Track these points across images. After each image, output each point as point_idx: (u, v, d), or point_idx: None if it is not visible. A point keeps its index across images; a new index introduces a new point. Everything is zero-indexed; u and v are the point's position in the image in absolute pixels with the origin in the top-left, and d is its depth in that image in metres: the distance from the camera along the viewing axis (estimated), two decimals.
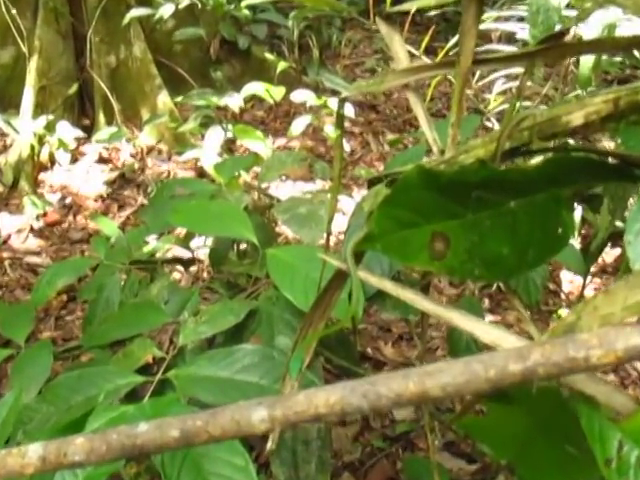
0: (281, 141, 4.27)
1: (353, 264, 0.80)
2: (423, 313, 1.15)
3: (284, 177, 3.77)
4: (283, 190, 3.60)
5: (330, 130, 3.53)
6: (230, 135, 3.16)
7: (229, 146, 3.79)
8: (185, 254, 2.17)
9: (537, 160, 0.76)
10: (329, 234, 1.07)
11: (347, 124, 4.37)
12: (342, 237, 2.89)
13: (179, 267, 2.52)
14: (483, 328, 0.73)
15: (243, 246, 1.99)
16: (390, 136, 4.43)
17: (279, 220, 1.70)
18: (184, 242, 2.08)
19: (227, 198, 1.77)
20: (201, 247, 2.16)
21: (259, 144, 2.95)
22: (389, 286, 0.80)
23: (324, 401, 0.52)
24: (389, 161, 3.07)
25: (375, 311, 2.65)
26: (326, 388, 0.53)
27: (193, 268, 2.60)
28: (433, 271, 0.76)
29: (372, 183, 1.08)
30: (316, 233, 1.53)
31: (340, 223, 2.50)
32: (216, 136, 3.20)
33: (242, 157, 3.20)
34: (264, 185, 3.09)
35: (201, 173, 3.73)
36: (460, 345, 1.62)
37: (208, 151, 3.20)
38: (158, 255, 2.14)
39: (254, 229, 1.50)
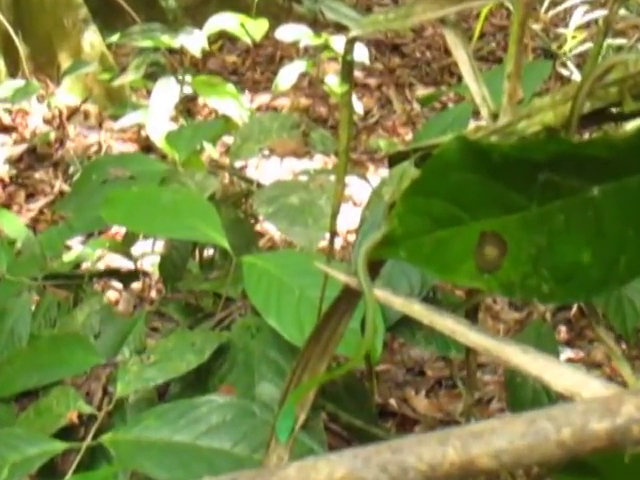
0: (263, 98, 4.28)
1: (368, 278, 0.80)
2: (469, 349, 1.16)
3: (267, 151, 3.77)
4: (266, 170, 3.60)
5: (334, 82, 3.54)
6: (189, 90, 3.16)
7: (187, 106, 3.79)
8: (125, 264, 2.18)
9: (631, 128, 0.77)
10: (333, 234, 1.08)
11: (359, 73, 4.38)
12: (352, 239, 2.89)
13: (116, 283, 2.52)
14: (556, 370, 0.74)
15: (209, 252, 2.00)
16: (421, 91, 4.44)
17: (261, 214, 1.70)
18: (123, 247, 2.09)
19: (185, 183, 1.78)
20: (148, 254, 2.16)
21: (231, 103, 2.96)
22: (420, 310, 0.81)
23: (326, 476, 0.53)
24: (420, 128, 3.08)
25: (401, 346, 2.65)
26: (330, 458, 0.54)
27: (136, 285, 2.60)
28: (482, 288, 0.76)
29: (395, 160, 1.09)
30: (314, 233, 1.54)
31: (349, 218, 2.51)
32: (168, 92, 3.21)
33: (206, 123, 3.21)
34: (239, 164, 3.09)
35: (147, 146, 3.74)
36: (524, 394, 1.63)
37: (157, 114, 3.21)
38: (85, 266, 2.15)
39: (224, 227, 1.51)
